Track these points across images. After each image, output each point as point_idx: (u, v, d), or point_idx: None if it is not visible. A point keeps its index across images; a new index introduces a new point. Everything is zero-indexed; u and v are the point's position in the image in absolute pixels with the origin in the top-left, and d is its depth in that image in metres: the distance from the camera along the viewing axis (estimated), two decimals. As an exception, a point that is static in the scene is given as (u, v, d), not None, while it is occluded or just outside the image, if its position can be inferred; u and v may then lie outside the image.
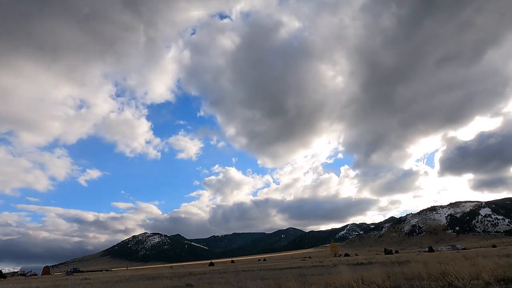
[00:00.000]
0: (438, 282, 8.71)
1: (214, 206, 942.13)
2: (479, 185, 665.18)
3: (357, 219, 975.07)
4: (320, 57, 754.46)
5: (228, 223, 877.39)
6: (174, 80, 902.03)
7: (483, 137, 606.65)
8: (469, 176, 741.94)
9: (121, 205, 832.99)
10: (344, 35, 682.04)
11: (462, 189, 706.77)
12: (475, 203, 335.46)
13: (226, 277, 20.22)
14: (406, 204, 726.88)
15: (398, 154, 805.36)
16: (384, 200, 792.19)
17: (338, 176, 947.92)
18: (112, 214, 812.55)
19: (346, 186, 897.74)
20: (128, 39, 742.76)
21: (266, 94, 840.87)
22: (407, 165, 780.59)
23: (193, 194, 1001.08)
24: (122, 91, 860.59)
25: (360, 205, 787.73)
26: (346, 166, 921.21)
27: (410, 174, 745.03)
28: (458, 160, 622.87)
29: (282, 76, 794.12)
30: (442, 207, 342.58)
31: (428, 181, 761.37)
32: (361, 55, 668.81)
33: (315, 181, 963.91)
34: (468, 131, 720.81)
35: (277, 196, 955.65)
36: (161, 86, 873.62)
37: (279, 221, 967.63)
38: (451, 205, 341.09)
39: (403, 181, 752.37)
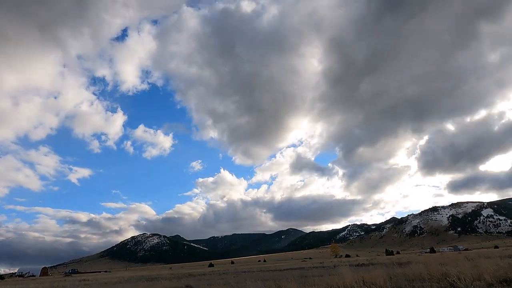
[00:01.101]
0: (439, 283, 8.61)
1: (209, 206, 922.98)
2: (457, 184, 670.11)
3: (347, 220, 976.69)
4: (295, 48, 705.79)
5: (226, 224, 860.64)
6: (144, 70, 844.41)
7: (461, 133, 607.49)
8: (449, 174, 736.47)
9: (113, 205, 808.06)
10: (321, 24, 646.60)
11: (442, 188, 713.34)
12: (477, 203, 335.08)
13: (226, 278, 20.10)
14: (392, 203, 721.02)
15: (381, 151, 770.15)
16: (369, 200, 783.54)
17: (322, 175, 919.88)
18: (105, 214, 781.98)
19: (329, 185, 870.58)
20: (70, 23, 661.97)
21: (241, 86, 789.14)
22: (391, 162, 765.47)
23: (187, 193, 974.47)
24: (90, 81, 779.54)
25: (347, 205, 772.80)
26: (329, 165, 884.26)
27: (394, 172, 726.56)
28: (440, 158, 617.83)
29: (257, 68, 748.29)
30: (443, 207, 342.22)
31: (411, 179, 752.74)
32: (337, 47, 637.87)
33: (300, 180, 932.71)
34: (448, 127, 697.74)
35: (267, 196, 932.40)
36: (130, 76, 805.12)
37: (270, 221, 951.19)
38: (453, 205, 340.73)
39: (387, 179, 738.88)
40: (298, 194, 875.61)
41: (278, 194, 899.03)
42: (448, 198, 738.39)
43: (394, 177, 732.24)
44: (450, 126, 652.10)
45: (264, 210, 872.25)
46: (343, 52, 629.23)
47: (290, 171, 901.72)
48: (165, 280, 21.36)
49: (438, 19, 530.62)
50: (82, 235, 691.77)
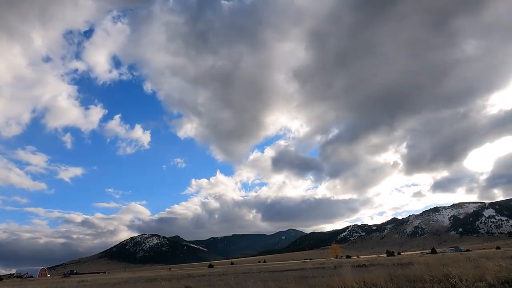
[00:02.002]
0: (441, 284, 8.52)
1: (206, 207, 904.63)
2: (442, 182, 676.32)
3: (343, 220, 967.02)
4: (275, 35, 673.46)
5: (224, 224, 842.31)
6: (117, 59, 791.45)
7: (444, 129, 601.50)
8: (431, 172, 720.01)
9: (108, 205, 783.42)
10: (299, 17, 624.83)
11: (428, 185, 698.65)
12: (479, 204, 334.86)
13: (225, 279, 20.02)
14: (380, 201, 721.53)
15: (368, 148, 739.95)
16: (358, 199, 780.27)
17: (310, 173, 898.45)
18: (98, 214, 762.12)
19: (319, 184, 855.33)
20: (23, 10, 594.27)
21: (218, 81, 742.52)
22: (378, 160, 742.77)
23: (183, 193, 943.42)
24: (64, 74, 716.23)
25: (336, 204, 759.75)
26: (318, 163, 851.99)
27: (380, 170, 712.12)
28: (424, 155, 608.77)
29: (233, 61, 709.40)
30: (445, 208, 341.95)
31: (396, 177, 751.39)
32: (315, 41, 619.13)
33: (290, 179, 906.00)
34: (431, 123, 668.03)
35: (265, 196, 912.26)
36: (104, 67, 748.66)
37: (270, 222, 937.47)
38: (454, 206, 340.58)
39: (375, 177, 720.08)
40: (294, 194, 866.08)
41: (275, 194, 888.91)
42: (438, 196, 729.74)
43: (380, 175, 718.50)
44: (432, 122, 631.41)
45: (261, 211, 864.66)
46: (320, 46, 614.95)
47: (281, 169, 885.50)
48: (165, 281, 21.29)
49: (414, 13, 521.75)
50: (75, 236, 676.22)
